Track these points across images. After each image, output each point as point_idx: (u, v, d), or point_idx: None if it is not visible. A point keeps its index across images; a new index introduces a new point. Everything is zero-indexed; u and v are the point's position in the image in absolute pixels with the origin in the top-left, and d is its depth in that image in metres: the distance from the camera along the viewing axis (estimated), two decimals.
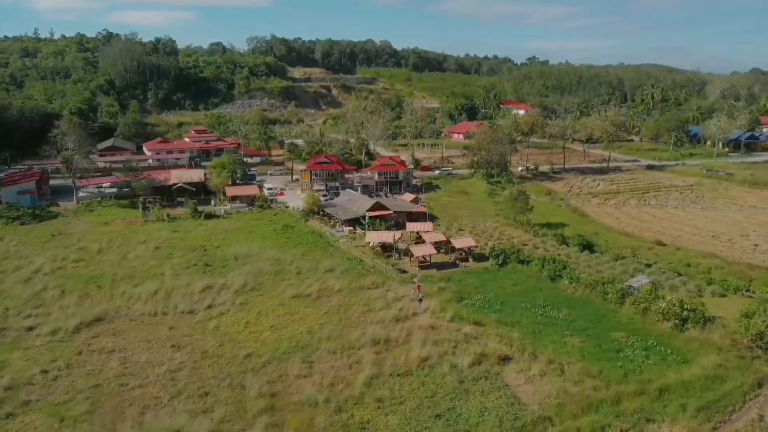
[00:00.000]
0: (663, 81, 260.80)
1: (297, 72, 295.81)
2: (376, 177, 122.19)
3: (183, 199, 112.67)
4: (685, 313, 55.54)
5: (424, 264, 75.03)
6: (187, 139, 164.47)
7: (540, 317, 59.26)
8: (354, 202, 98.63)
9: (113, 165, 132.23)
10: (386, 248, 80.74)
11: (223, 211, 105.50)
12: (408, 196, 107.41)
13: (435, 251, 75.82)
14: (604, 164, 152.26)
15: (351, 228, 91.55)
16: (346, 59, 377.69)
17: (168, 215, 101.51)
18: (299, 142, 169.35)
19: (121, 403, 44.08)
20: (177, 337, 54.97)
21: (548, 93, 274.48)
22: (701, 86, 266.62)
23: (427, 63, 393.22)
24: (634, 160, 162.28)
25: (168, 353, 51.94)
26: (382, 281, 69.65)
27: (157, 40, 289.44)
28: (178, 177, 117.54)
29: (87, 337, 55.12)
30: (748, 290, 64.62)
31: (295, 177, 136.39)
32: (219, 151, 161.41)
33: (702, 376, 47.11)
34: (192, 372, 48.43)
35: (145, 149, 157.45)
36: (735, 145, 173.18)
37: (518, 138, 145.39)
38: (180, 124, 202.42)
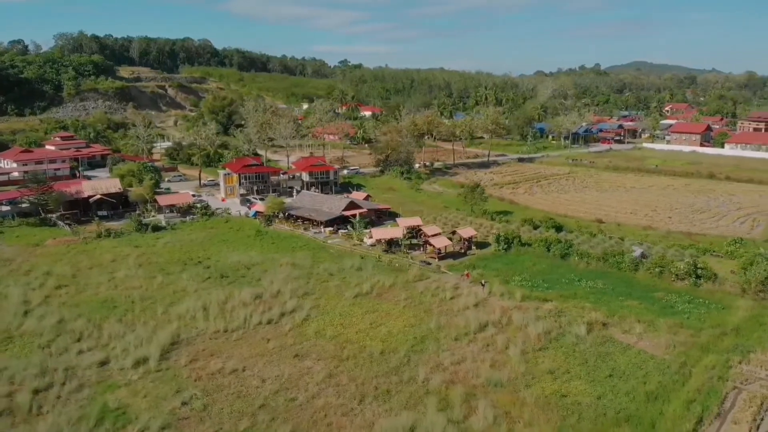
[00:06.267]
0: (485, 83, 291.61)
1: (125, 71, 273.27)
2: (306, 178, 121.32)
3: (104, 213, 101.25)
4: (699, 271, 68.14)
5: (440, 255, 79.03)
6: (52, 147, 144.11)
7: (587, 289, 67.57)
8: (322, 202, 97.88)
9: None
10: (390, 244, 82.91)
11: (165, 223, 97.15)
12: (360, 194, 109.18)
13: (449, 242, 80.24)
14: (485, 159, 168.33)
15: (331, 228, 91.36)
16: (166, 57, 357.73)
17: (108, 230, 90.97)
18: (167, 144, 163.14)
19: (313, 416, 42.02)
20: (288, 348, 52.37)
21: (389, 95, 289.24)
22: (514, 87, 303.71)
23: (252, 63, 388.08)
24: (503, 155, 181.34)
25: (298, 364, 49.54)
26: (420, 273, 72.42)
27: None
28: (92, 188, 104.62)
29: (186, 362, 49.97)
30: (714, 251, 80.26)
31: (202, 182, 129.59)
32: (92, 159, 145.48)
33: (748, 316, 59.21)
34: (350, 377, 47.30)
35: (0, 161, 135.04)
36: (574, 138, 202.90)
37: (417, 137, 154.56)
38: (14, 132, 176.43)
